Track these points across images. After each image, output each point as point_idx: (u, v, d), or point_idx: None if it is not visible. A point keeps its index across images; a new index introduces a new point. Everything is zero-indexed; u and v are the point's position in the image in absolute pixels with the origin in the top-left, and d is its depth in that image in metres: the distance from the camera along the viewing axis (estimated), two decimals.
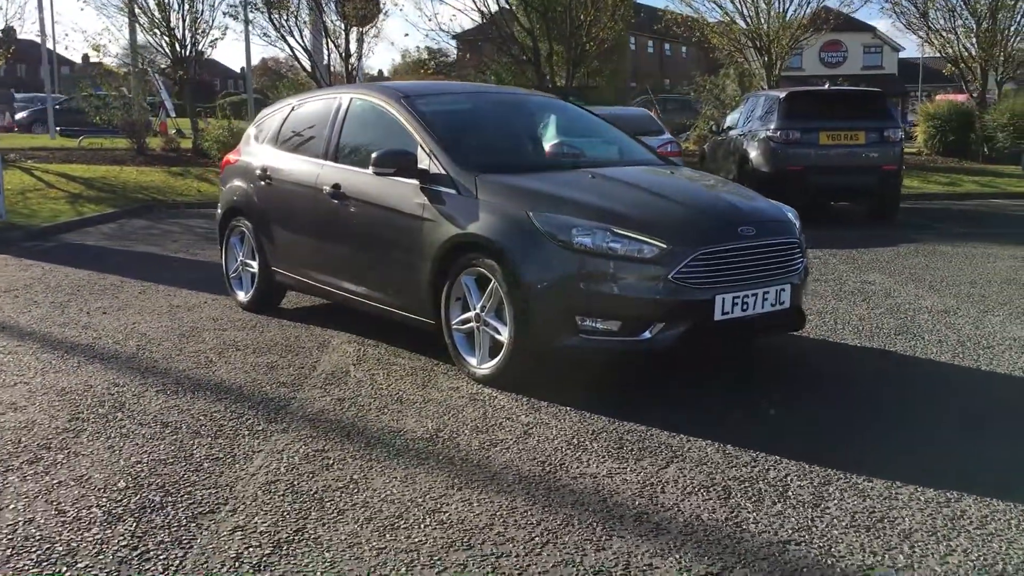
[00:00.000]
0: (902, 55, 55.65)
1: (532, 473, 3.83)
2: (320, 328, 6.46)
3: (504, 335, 4.92)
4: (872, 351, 5.81)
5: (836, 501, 3.55)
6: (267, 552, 3.16)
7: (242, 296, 7.18)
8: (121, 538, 3.26)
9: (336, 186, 5.95)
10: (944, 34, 21.46)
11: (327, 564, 3.08)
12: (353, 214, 5.86)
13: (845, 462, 3.91)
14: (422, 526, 3.35)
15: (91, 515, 3.46)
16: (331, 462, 3.97)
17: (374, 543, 3.21)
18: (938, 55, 22.94)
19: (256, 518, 3.42)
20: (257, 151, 7.01)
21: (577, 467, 3.89)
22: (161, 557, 3.13)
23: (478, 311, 5.05)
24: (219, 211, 7.39)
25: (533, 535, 3.27)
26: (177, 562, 3.10)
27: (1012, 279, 8.21)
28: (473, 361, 5.14)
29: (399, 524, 3.36)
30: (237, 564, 3.08)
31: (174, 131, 25.20)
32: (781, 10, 21.38)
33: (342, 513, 3.46)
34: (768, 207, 5.38)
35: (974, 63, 21.68)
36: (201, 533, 3.31)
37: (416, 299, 5.45)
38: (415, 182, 5.42)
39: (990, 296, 7.44)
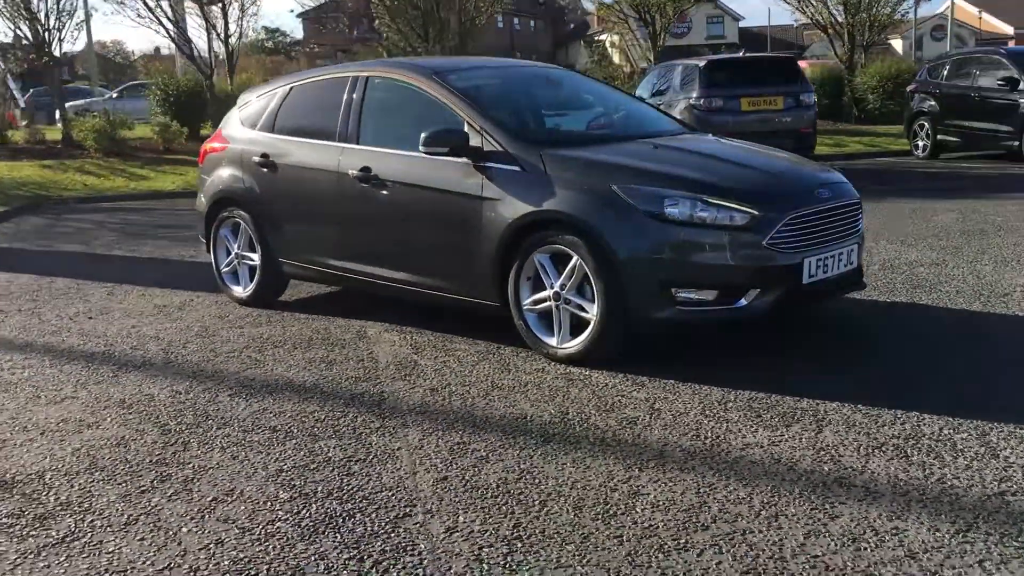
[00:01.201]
0: (741, 24, 57.70)
1: (698, 448, 3.79)
2: (342, 319, 6.20)
3: (591, 312, 4.83)
4: (912, 305, 6.00)
5: (1010, 449, 3.65)
6: (506, 551, 3.01)
7: (239, 291, 6.81)
8: (337, 551, 3.05)
9: (365, 169, 5.70)
10: (814, 2, 22.36)
11: (579, 556, 2.96)
12: (389, 197, 5.63)
13: (984, 411, 4.02)
14: (640, 510, 3.26)
15: (281, 530, 3.22)
16: (483, 454, 3.81)
17: (609, 532, 3.11)
18: (809, 21, 23.88)
19: (461, 517, 3.26)
20: (251, 137, 6.63)
21: (736, 438, 3.87)
22: (398, 566, 2.94)
23: (557, 289, 4.94)
24: (203, 202, 6.96)
25: (757, 509, 3.23)
26: (420, 570, 2.91)
27: (966, 230, 8.64)
28: (552, 341, 5.04)
29: (615, 511, 3.26)
30: (487, 566, 2.92)
31: (24, 123, 23.74)
32: None
33: (545, 504, 3.33)
34: (828, 170, 5.49)
35: (842, 29, 22.67)
36: (417, 538, 3.12)
37: (474, 282, 5.29)
38: (465, 161, 5.24)
39: (962, 248, 7.80)
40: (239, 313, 6.53)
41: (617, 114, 6.31)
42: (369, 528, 3.20)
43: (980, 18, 57.75)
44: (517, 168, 5.09)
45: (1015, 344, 5.17)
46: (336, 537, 3.15)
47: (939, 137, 16.01)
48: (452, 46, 20.13)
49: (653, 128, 5.95)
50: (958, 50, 22.22)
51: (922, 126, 16.45)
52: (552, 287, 4.97)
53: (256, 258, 6.60)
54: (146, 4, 19.52)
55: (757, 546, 2.98)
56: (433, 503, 3.38)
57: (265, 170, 6.41)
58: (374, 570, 2.92)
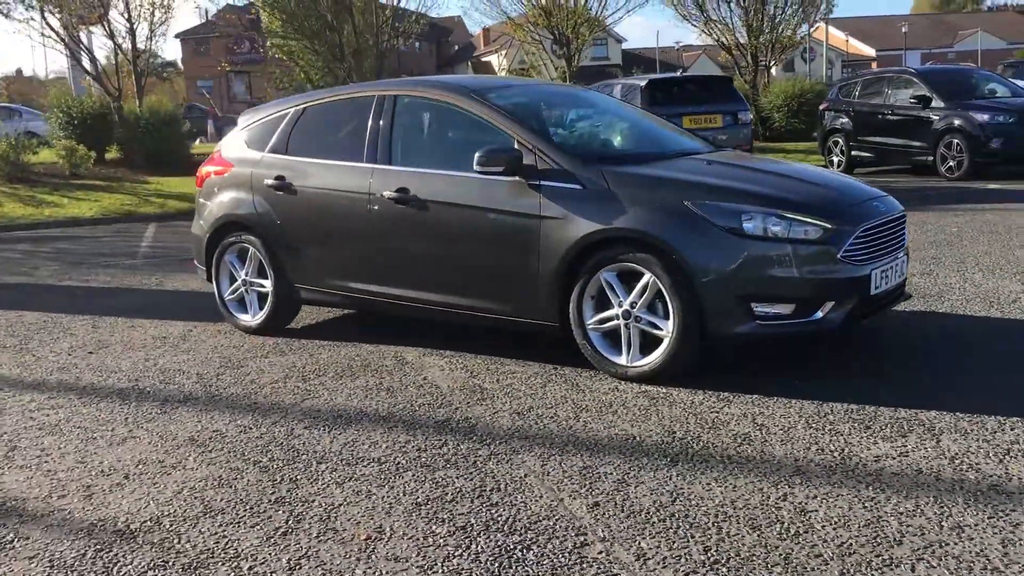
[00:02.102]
0: (624, 46, 58.99)
1: (830, 462, 3.79)
2: (368, 344, 6.02)
3: (665, 329, 4.81)
4: (931, 314, 6.16)
5: None
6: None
7: (247, 319, 6.53)
8: None
9: (402, 190, 5.55)
10: (719, 24, 23.02)
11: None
12: (431, 218, 5.49)
13: None
14: (821, 527, 3.23)
15: (462, 566, 3.07)
16: (618, 476, 3.73)
17: (805, 551, 3.07)
18: (715, 43, 24.55)
19: (643, 543, 3.17)
20: (261, 159, 6.38)
21: (861, 451, 3.89)
22: None
23: (627, 307, 4.89)
24: (203, 228, 6.65)
25: (937, 521, 3.23)
26: None
27: (931, 241, 8.97)
28: (621, 360, 4.98)
29: (796, 529, 3.23)
30: None
31: None
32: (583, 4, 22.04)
33: (720, 526, 3.27)
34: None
35: (745, 51, 23.40)
36: (613, 567, 3.02)
37: (532, 302, 5.20)
38: (517, 179, 5.16)
39: (941, 258, 8.09)
40: (254, 342, 6.25)
41: (649, 131, 6.31)
42: (557, 560, 3.08)
43: (847, 42, 60.60)
44: (578, 186, 5.03)
45: None
46: (527, 570, 3.01)
47: (853, 153, 16.65)
48: (368, 67, 19.90)
49: (689, 145, 5.96)
50: (871, 71, 22.99)
51: (836, 143, 17.07)
52: (621, 305, 4.91)
53: (268, 285, 6.35)
54: (47, 23, 18.55)
55: (962, 558, 2.98)
56: (602, 530, 3.28)
57: (281, 193, 6.17)
58: None
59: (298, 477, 3.88)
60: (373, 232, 5.75)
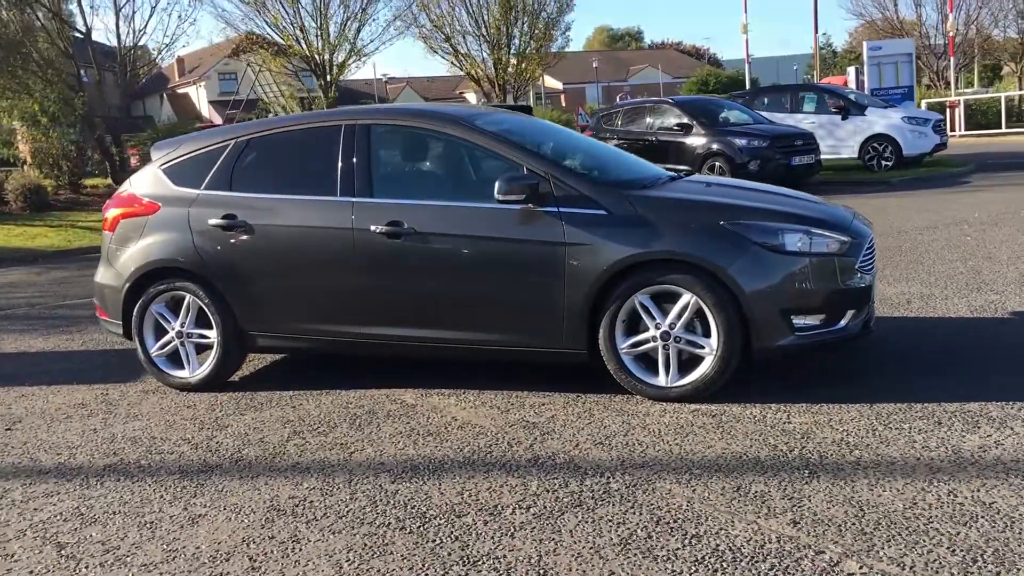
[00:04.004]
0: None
1: (949, 456, 4.00)
2: (349, 391, 5.62)
3: (707, 347, 4.89)
4: (912, 319, 6.66)
5: None
6: None
7: (183, 375, 5.88)
8: None
9: (395, 223, 5.26)
10: (468, 58, 23.54)
11: None
12: (433, 252, 5.24)
13: None
14: (1021, 519, 3.42)
15: None
16: (782, 492, 3.74)
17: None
18: (464, 75, 25.02)
19: (890, 551, 3.21)
20: (196, 197, 5.78)
21: (961, 443, 4.14)
22: None
23: (666, 328, 4.93)
24: (120, 277, 5.91)
25: None
26: None
27: None
28: (660, 381, 4.99)
29: (1003, 522, 3.40)
30: None
31: None
32: (343, 32, 21.69)
33: (930, 529, 3.39)
34: None
35: (495, 81, 24.09)
36: None
37: (556, 331, 5.09)
38: (529, 207, 5.06)
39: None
40: (202, 401, 5.64)
41: (620, 158, 6.35)
42: None
43: (542, 76, 63.87)
44: (601, 211, 5.00)
45: None
46: None
47: None
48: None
49: (660, 171, 6.03)
50: (629, 100, 24.08)
51: None
52: (659, 327, 4.93)
53: (213, 335, 5.75)
54: None
55: None
56: (835, 546, 3.28)
57: (231, 233, 5.62)
58: None
59: (453, 534, 3.56)
60: (358, 270, 5.38)
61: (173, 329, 5.83)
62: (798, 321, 4.89)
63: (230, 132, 6.03)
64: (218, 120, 44.82)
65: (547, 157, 5.25)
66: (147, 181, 6.04)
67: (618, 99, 36.82)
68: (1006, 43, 43.73)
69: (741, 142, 15.92)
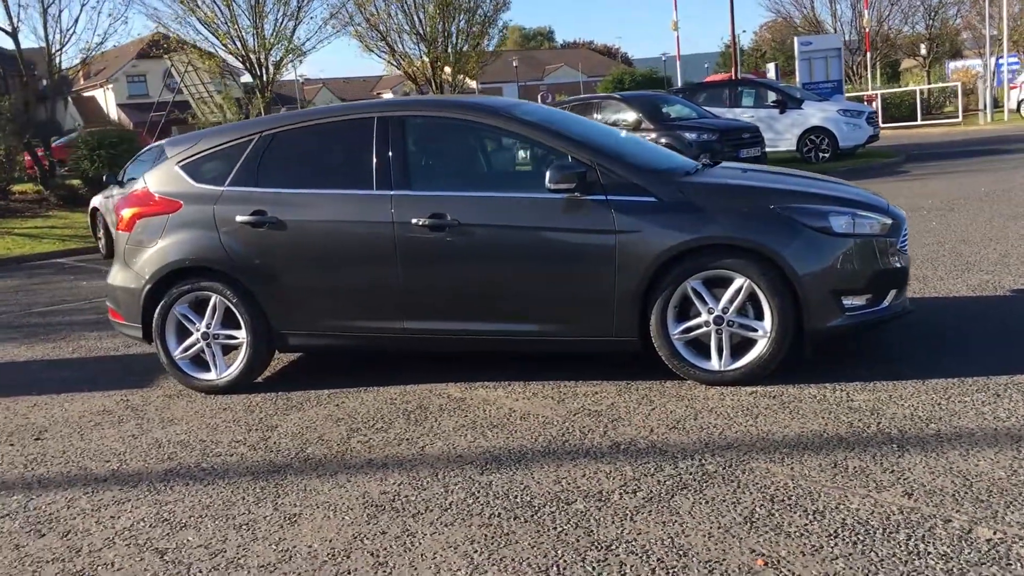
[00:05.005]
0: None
1: (1018, 430, 4.14)
2: (388, 387, 5.54)
3: (760, 330, 4.94)
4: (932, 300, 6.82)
5: None
6: None
7: (210, 377, 5.73)
8: None
9: (437, 216, 5.20)
10: (404, 57, 23.37)
11: None
12: (479, 243, 5.19)
13: None
14: None
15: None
16: (880, 467, 3.81)
17: None
18: (389, 74, 24.82)
19: (1017, 517, 3.31)
20: (221, 194, 5.62)
21: None
22: None
23: (719, 313, 4.98)
24: (139, 279, 5.71)
25: None
26: None
27: None
28: (713, 365, 5.04)
29: None
30: None
31: None
32: (277, 29, 21.28)
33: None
34: None
35: (431, 80, 23.97)
36: None
37: (607, 320, 5.09)
38: (577, 196, 5.06)
39: None
40: (244, 403, 5.51)
41: (650, 147, 6.35)
42: (967, 554, 3.11)
43: (479, 73, 63.76)
44: (651, 199, 5.02)
45: None
46: (947, 567, 3.03)
47: None
48: None
49: (685, 159, 6.09)
50: (577, 96, 24.03)
51: None
52: (712, 312, 4.97)
53: (241, 335, 5.61)
54: None
55: None
56: (949, 514, 3.36)
57: (261, 230, 5.49)
58: None
59: (572, 521, 3.54)
60: (400, 264, 5.30)
61: (198, 331, 5.66)
62: (847, 302, 4.98)
63: (252, 127, 5.88)
64: (129, 124, 43.61)
65: (592, 146, 5.24)
66: (165, 178, 5.85)
67: (539, 99, 37.07)
68: (916, 37, 45.23)
69: (691, 136, 16.13)
